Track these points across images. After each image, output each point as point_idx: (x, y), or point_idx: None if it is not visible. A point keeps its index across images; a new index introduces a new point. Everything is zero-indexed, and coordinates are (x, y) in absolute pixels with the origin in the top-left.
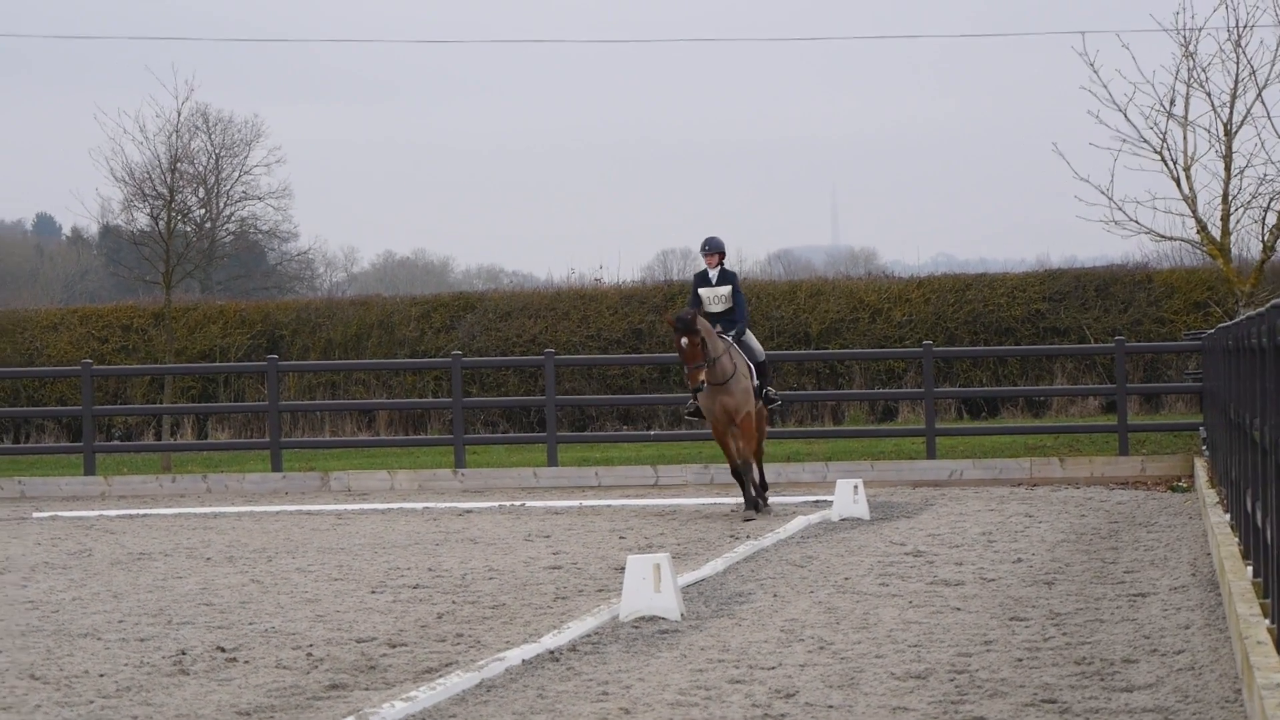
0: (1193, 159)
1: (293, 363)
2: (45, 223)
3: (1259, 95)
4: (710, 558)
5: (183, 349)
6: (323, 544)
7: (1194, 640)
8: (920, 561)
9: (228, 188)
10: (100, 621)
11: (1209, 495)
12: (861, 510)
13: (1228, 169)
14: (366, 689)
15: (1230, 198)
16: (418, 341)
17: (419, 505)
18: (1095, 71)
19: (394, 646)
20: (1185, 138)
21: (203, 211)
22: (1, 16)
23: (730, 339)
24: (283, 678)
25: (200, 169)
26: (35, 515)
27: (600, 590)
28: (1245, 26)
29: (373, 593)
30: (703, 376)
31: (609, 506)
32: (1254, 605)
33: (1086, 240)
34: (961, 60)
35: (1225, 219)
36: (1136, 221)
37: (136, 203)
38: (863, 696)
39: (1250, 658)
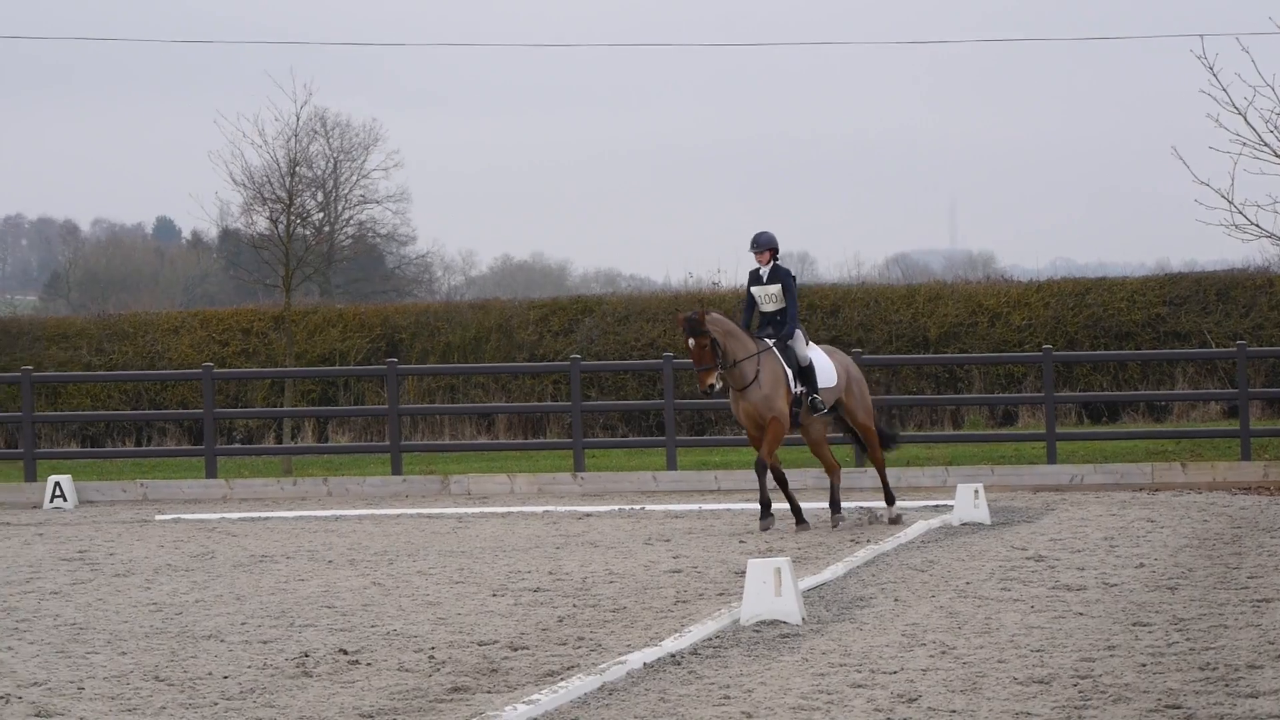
0: None
1: (412, 366)
2: (165, 226)
3: None
4: (830, 562)
5: (302, 352)
6: (443, 547)
7: None
8: (1042, 566)
9: (346, 191)
10: (223, 623)
11: None
12: (982, 515)
13: None
14: (488, 692)
15: None
16: (536, 345)
17: (539, 509)
18: (1214, 75)
19: (515, 649)
20: None
21: (321, 215)
22: (123, 23)
23: (771, 342)
24: (405, 680)
25: (319, 173)
26: (158, 518)
27: (721, 594)
28: None
29: (494, 596)
30: (711, 380)
31: (728, 510)
32: None
33: (1207, 244)
34: (1078, 64)
35: None
36: (1258, 225)
37: (256, 206)
38: (985, 701)
39: None
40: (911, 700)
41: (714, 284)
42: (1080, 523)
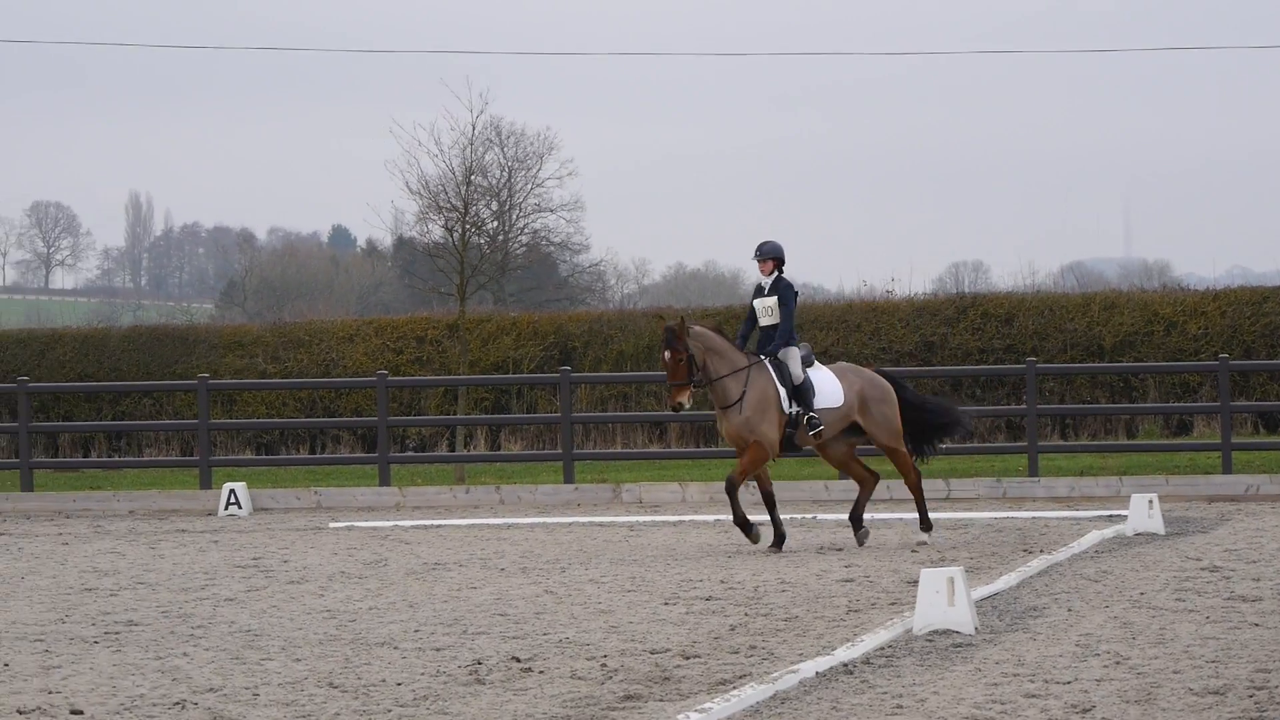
0: None
1: (585, 374)
2: (341, 235)
3: None
4: (1003, 572)
5: (476, 360)
6: (615, 555)
7: None
8: (1217, 577)
9: (520, 200)
10: (397, 631)
11: None
12: (1156, 525)
13: None
14: (661, 700)
15: None
16: None
17: (710, 517)
18: None
19: (687, 658)
20: None
21: (496, 224)
22: (300, 33)
23: (766, 360)
24: (578, 688)
25: (493, 182)
26: (331, 525)
27: (893, 603)
28: None
29: (666, 604)
30: (682, 398)
31: (900, 520)
32: None
33: None
34: (1252, 70)
35: None
36: None
37: (431, 215)
38: (1160, 712)
39: None
40: (1085, 710)
41: (888, 292)
42: (1256, 533)
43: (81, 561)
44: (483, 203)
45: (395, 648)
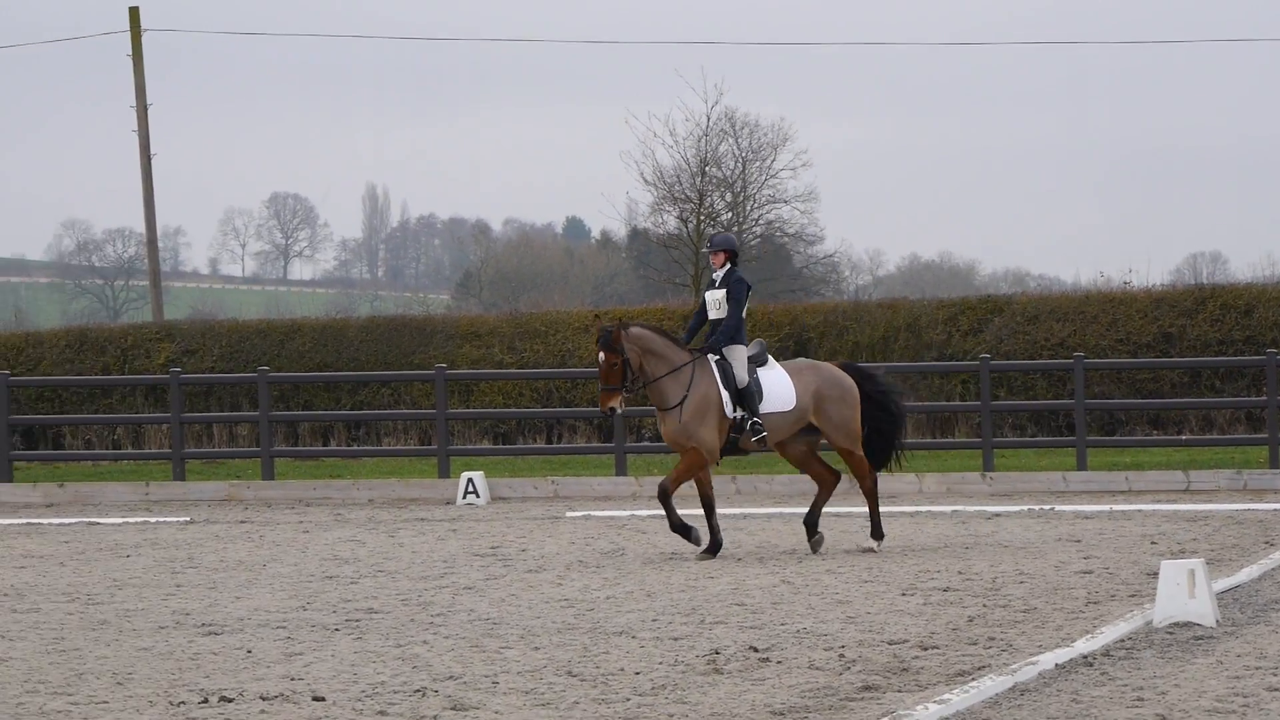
0: None
1: None
2: (575, 226)
3: None
4: (1245, 564)
5: None
6: (852, 545)
7: None
8: None
9: (754, 191)
10: (634, 620)
11: None
12: None
13: None
14: (899, 691)
15: None
16: (945, 344)
17: (947, 508)
18: None
19: (925, 649)
20: None
21: (730, 215)
22: (536, 25)
23: (713, 359)
24: (815, 678)
25: (727, 173)
26: (568, 514)
27: (1132, 595)
28: None
29: (903, 595)
30: (613, 403)
31: (1139, 511)
32: None
33: None
34: None
35: None
36: None
37: (665, 206)
38: None
39: None
40: None
41: (1125, 283)
42: None
43: (322, 549)
44: (717, 194)
45: (633, 637)
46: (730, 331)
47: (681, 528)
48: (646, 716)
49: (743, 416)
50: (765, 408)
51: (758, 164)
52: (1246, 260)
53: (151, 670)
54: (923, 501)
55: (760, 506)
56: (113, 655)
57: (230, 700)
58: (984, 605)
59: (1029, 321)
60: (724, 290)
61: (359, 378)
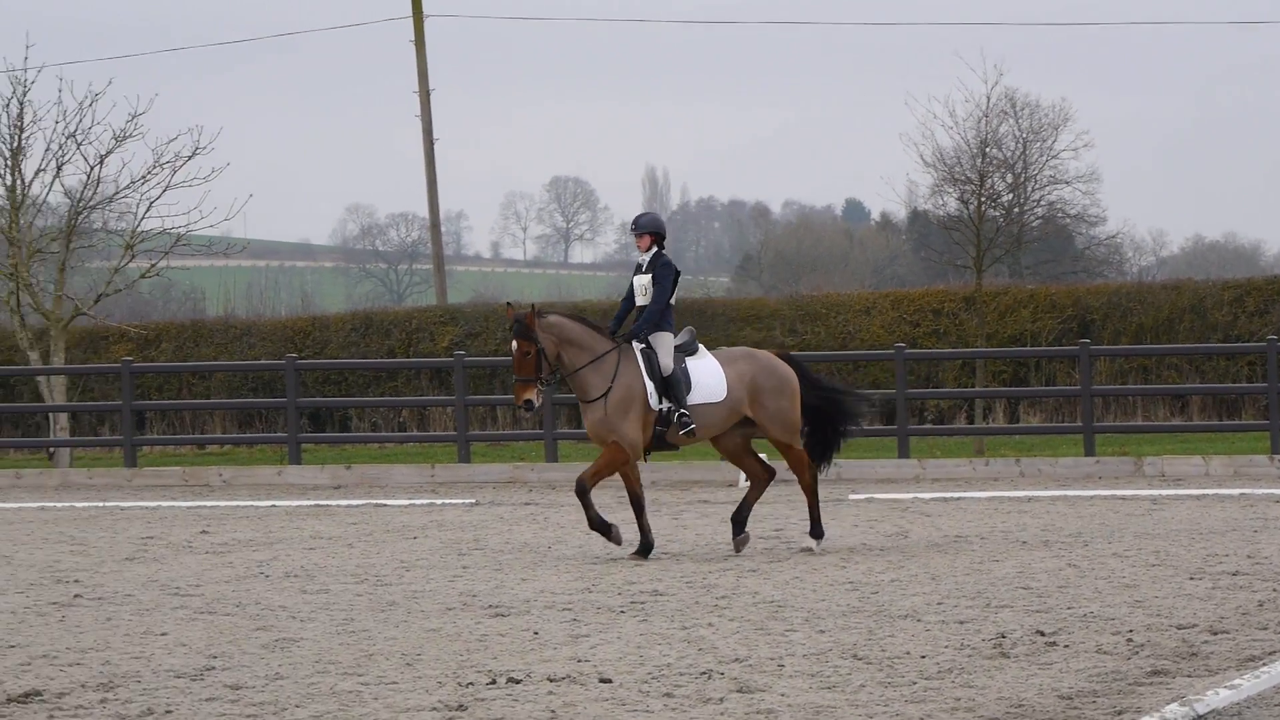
0: None
1: (1105, 347)
2: (854, 208)
3: None
4: None
5: (993, 333)
6: (1138, 529)
7: None
8: None
9: (1035, 172)
10: (919, 603)
11: None
12: None
13: None
14: (1189, 676)
15: None
16: (1230, 326)
17: (1234, 491)
18: None
19: (1215, 633)
20: None
21: (1011, 196)
22: (810, 6)
23: (634, 343)
24: (1102, 663)
25: (1008, 154)
26: (851, 497)
27: None
28: None
29: (1191, 579)
30: (529, 395)
31: None
32: None
33: None
34: None
35: None
36: None
37: (946, 188)
38: None
39: None
40: None
41: None
42: None
43: None
44: (998, 175)
45: (918, 620)
46: (655, 317)
47: (601, 525)
48: (933, 700)
49: (669, 408)
50: (694, 399)
51: (1038, 144)
52: None
53: (439, 651)
54: (1209, 484)
55: (1044, 489)
56: (401, 636)
57: (518, 681)
58: (1274, 590)
59: None
60: (649, 275)
61: None
